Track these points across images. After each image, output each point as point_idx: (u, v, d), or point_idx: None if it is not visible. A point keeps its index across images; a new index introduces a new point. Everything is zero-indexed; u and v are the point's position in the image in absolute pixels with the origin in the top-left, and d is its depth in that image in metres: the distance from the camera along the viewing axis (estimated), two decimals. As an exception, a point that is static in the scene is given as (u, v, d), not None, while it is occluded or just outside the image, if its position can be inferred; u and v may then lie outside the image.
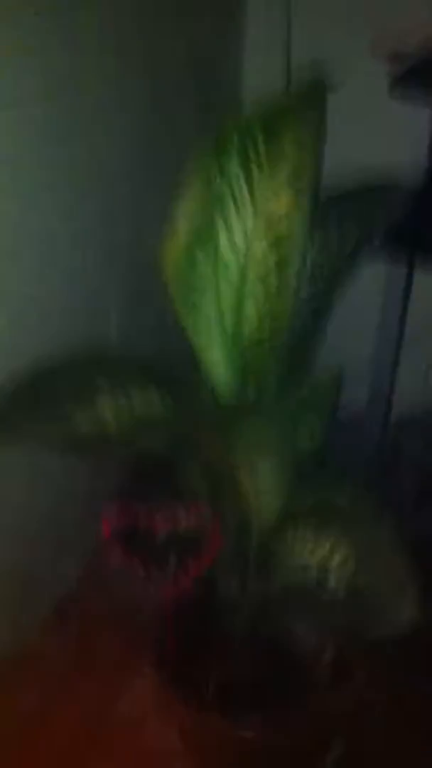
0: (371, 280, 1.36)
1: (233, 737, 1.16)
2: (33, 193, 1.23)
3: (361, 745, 1.32)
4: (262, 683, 1.22)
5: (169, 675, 1.22)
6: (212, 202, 0.94)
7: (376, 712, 1.34)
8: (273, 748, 1.16)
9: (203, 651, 1.24)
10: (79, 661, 1.48)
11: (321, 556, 0.96)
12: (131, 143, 1.46)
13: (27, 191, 1.22)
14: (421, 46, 1.30)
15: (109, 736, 1.36)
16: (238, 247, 0.94)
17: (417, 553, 0.97)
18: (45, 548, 1.51)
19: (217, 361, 1.01)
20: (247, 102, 1.77)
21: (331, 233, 0.98)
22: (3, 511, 1.38)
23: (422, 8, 1.36)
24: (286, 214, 0.90)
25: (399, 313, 1.39)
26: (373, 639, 0.99)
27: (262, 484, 1.02)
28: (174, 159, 0.99)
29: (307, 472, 1.04)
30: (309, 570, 0.98)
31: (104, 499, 1.13)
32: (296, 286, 0.95)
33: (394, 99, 1.32)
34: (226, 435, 0.93)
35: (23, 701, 1.40)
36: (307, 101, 0.88)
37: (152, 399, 0.97)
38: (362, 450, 1.49)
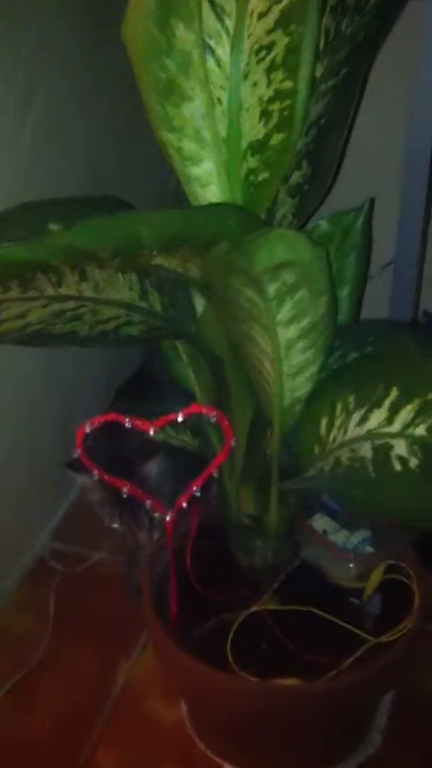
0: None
1: (260, 691, 0.89)
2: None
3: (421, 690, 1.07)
4: (294, 626, 0.96)
5: (175, 627, 0.95)
6: None
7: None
8: (313, 698, 0.89)
9: (217, 592, 0.97)
10: (69, 621, 1.21)
11: (377, 423, 0.69)
12: None
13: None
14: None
15: (113, 710, 1.09)
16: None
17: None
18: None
19: (207, 179, 0.74)
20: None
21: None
22: None
23: None
24: None
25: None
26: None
27: (288, 353, 0.74)
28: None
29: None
30: (359, 449, 0.71)
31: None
32: (311, 54, 0.68)
33: None
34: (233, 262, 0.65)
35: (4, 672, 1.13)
36: None
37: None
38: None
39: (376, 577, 0.96)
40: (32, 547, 1.30)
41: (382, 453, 0.68)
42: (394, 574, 0.97)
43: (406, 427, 0.67)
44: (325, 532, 0.98)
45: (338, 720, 0.94)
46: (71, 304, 0.76)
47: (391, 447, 0.67)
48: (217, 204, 0.73)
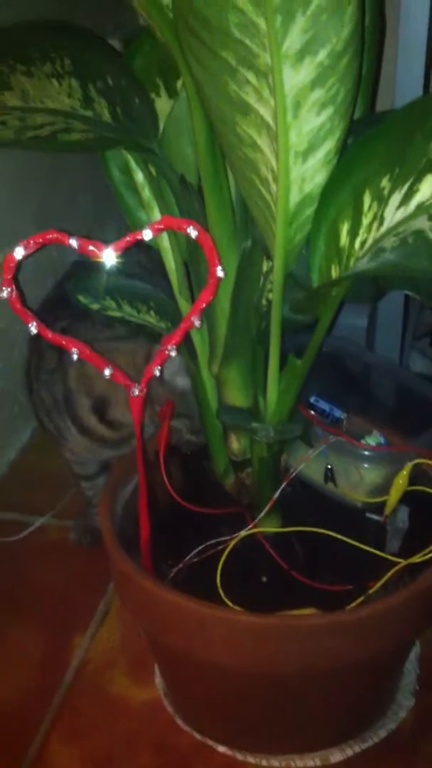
0: None
1: (275, 625, 0.67)
2: None
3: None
4: (299, 553, 0.75)
5: (148, 561, 0.72)
6: None
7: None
8: (344, 630, 0.67)
9: (199, 512, 0.75)
10: (7, 596, 0.96)
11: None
12: None
13: None
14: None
15: (68, 696, 0.85)
16: None
17: None
18: None
19: None
20: None
21: None
22: None
23: None
24: None
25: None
26: None
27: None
28: None
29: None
30: (408, 229, 0.51)
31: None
32: None
33: None
34: None
35: None
36: None
37: None
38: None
39: (400, 484, 0.75)
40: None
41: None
42: (419, 484, 0.77)
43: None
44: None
45: (369, 666, 0.72)
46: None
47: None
48: None
